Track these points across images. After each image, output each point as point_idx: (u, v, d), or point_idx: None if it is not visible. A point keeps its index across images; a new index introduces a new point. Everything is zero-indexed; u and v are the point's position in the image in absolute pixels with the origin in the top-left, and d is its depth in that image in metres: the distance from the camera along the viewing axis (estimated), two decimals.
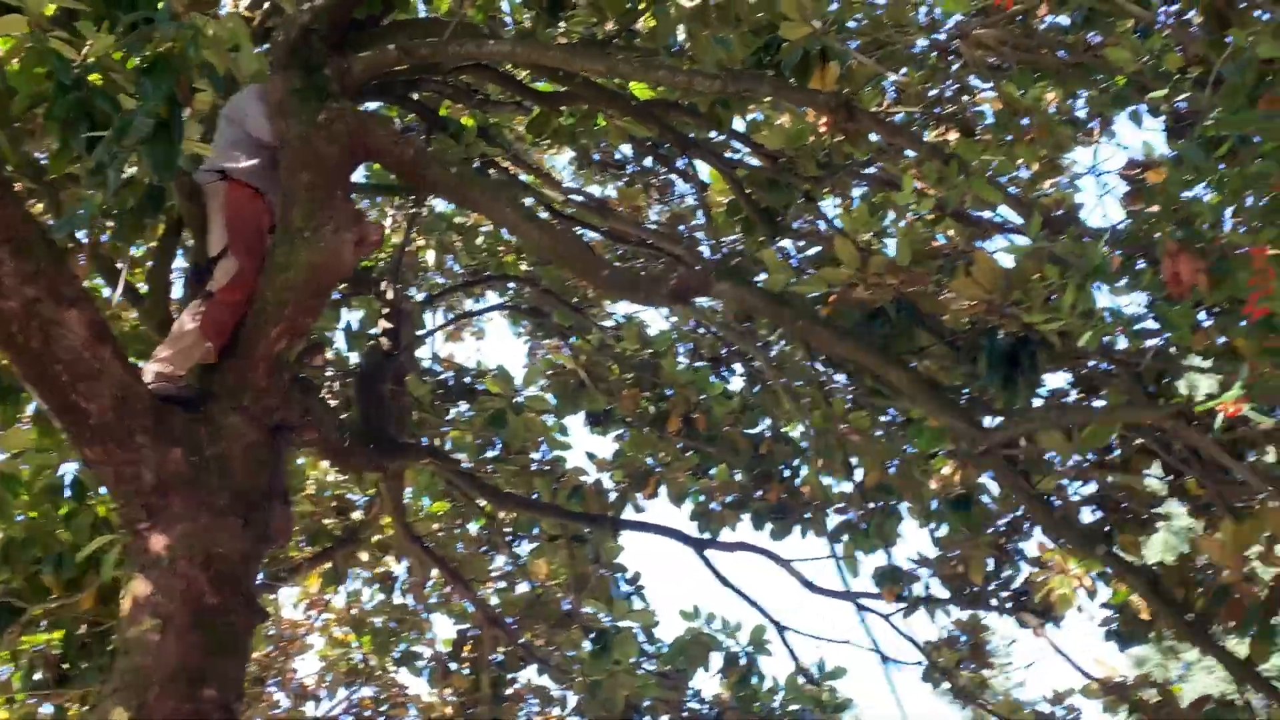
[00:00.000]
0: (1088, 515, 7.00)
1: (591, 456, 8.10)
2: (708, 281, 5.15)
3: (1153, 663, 17.39)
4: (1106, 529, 6.81)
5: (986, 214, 6.53)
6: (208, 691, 4.10)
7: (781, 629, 7.55)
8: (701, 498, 7.94)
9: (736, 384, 8.15)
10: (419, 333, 8.04)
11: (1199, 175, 3.35)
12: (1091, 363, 6.38)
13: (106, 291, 6.44)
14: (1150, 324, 5.34)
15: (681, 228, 8.39)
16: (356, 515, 8.44)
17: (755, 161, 6.66)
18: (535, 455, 8.10)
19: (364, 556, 8.55)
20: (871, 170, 6.85)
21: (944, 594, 7.43)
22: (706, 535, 7.78)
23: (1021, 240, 6.20)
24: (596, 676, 7.47)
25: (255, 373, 4.56)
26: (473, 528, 8.53)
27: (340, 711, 8.97)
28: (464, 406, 8.31)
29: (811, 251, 7.01)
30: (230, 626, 4.26)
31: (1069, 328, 4.10)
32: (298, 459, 7.80)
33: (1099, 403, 6.58)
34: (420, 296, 8.63)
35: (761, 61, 5.87)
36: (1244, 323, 3.54)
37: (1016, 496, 6.63)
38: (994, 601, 7.35)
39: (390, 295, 7.12)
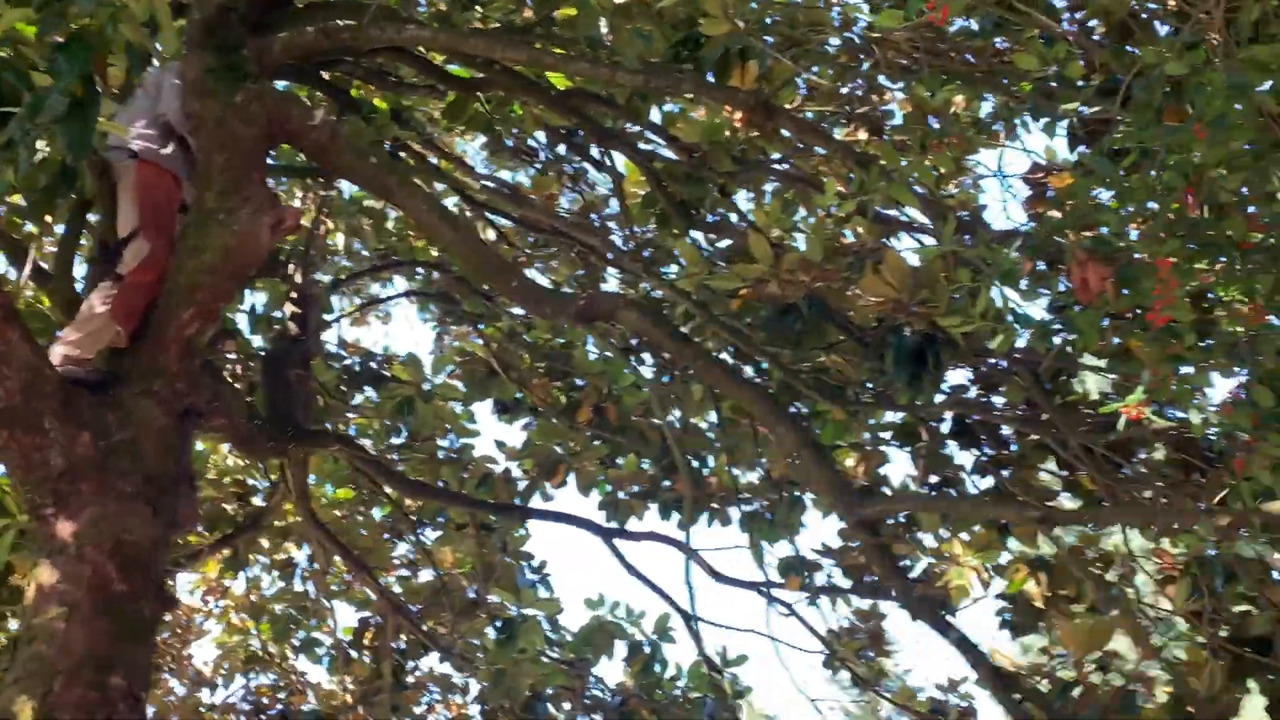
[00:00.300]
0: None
1: (501, 445, 8.10)
2: (615, 308, 5.24)
3: (1038, 649, 17.88)
4: (1002, 523, 7.03)
5: (893, 212, 6.68)
6: (115, 680, 4.04)
7: (687, 617, 7.64)
8: (609, 487, 7.99)
9: (646, 375, 8.20)
10: (325, 317, 7.94)
11: (1107, 185, 3.48)
12: (991, 361, 6.59)
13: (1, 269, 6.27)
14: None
15: (594, 217, 8.41)
16: (257, 501, 8.32)
17: (671, 154, 6.72)
18: (443, 443, 8.07)
19: (265, 543, 8.44)
20: (784, 167, 6.94)
21: (846, 584, 7.59)
22: (614, 524, 7.84)
23: (930, 240, 6.37)
24: (501, 665, 7.48)
25: (166, 356, 4.49)
26: (377, 514, 8.46)
27: (238, 699, 8.84)
28: (370, 392, 8.25)
29: (725, 244, 7.08)
30: (138, 614, 4.19)
31: (978, 329, 4.24)
32: (198, 444, 7.67)
33: (998, 399, 6.80)
34: (327, 280, 8.51)
35: (679, 56, 5.92)
36: (1144, 328, 3.69)
37: (876, 570, 6.74)
38: (893, 591, 7.51)
39: (298, 279, 7.03)
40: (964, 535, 7.33)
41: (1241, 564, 4.68)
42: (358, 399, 8.18)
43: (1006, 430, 6.94)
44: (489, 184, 7.88)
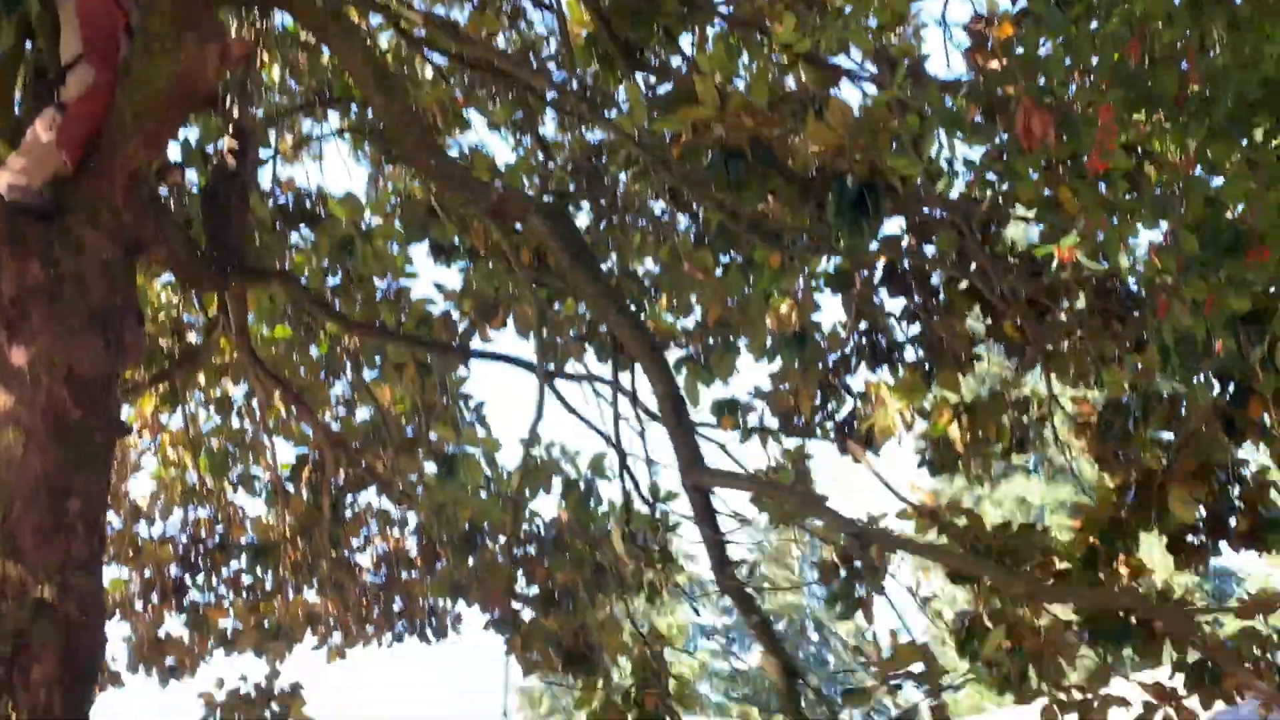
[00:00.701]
0: (911, 353, 7.46)
1: (440, 288, 8.12)
2: (525, 212, 5.31)
3: (953, 489, 18.67)
4: (928, 367, 7.29)
5: (837, 60, 6.71)
6: (73, 505, 4.13)
7: (622, 456, 7.85)
8: (547, 331, 8.08)
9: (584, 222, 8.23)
10: (262, 152, 7.81)
11: (1053, 33, 3.58)
12: (926, 210, 6.74)
13: None
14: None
15: (533, 57, 8.30)
16: (192, 338, 8.31)
17: None
18: (380, 285, 8.07)
19: (201, 379, 8.46)
20: (729, 11, 6.91)
21: (775, 424, 7.83)
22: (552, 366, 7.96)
23: (873, 89, 6.45)
24: (441, 500, 7.67)
25: (112, 188, 4.46)
26: (314, 353, 8.49)
27: (175, 532, 8.96)
28: (306, 232, 8.18)
29: (667, 89, 7.06)
30: (93, 442, 4.27)
31: (918, 177, 4.36)
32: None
33: (929, 248, 6.99)
34: (260, 115, 8.35)
35: None
36: (1080, 176, 3.83)
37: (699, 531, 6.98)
38: (820, 431, 7.78)
39: (236, 112, 6.90)
40: (889, 380, 7.61)
41: (1158, 403, 4.96)
42: (294, 238, 8.11)
43: (936, 279, 7.15)
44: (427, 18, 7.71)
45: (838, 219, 5.33)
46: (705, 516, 6.08)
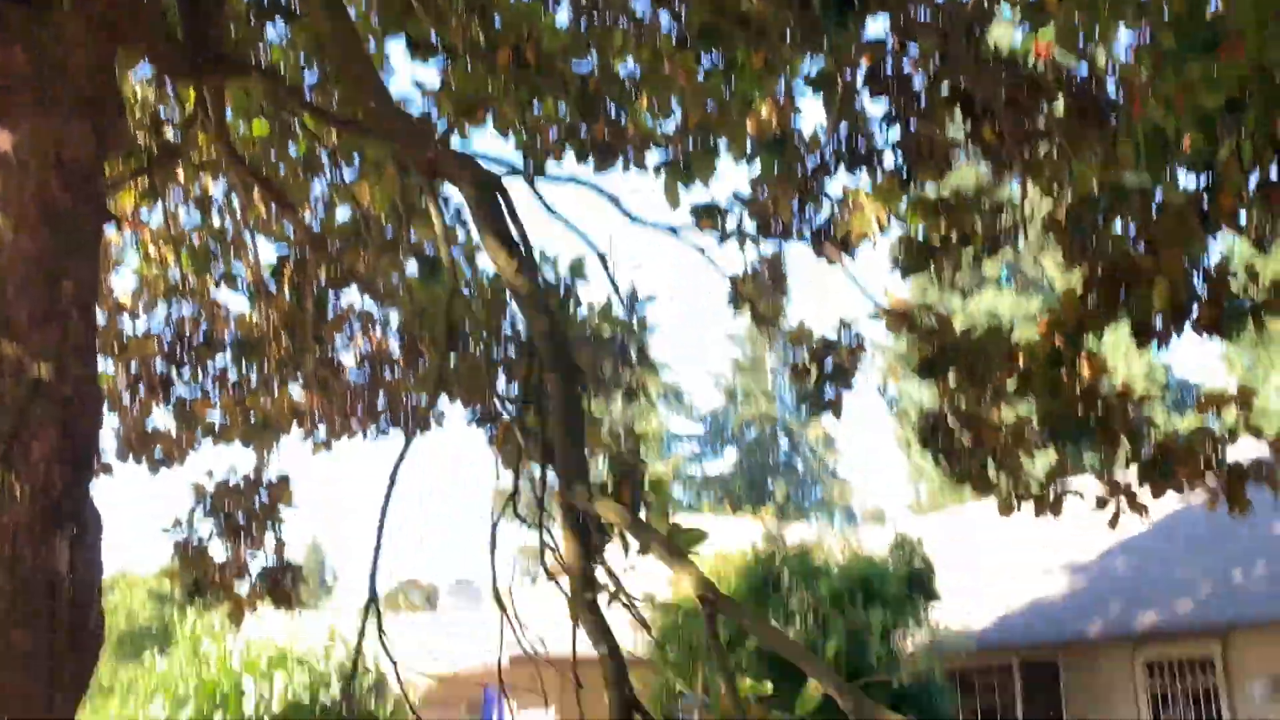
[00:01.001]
0: (890, 158, 7.51)
1: (419, 86, 8.04)
2: (459, 171, 5.35)
3: (927, 297, 18.96)
4: (907, 172, 7.35)
5: None
6: (66, 289, 4.21)
7: (603, 258, 7.93)
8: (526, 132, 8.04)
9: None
10: None
11: None
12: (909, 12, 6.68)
13: None
14: None
15: None
16: (170, 135, 8.23)
17: None
18: None
19: (181, 175, 8.42)
20: None
21: (753, 228, 7.92)
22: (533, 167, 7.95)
23: None
24: (424, 301, 7.78)
25: None
26: (294, 152, 8.44)
27: (159, 329, 9.05)
28: (281, 27, 8.02)
29: None
30: (82, 228, 4.32)
31: None
32: None
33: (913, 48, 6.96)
34: None
35: None
36: None
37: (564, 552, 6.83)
38: (798, 235, 7.88)
39: None
40: (866, 187, 7.68)
41: (1124, 198, 5.05)
42: (270, 34, 7.97)
43: (918, 83, 7.14)
44: None
45: (824, 12, 5.31)
46: (576, 534, 5.88)
